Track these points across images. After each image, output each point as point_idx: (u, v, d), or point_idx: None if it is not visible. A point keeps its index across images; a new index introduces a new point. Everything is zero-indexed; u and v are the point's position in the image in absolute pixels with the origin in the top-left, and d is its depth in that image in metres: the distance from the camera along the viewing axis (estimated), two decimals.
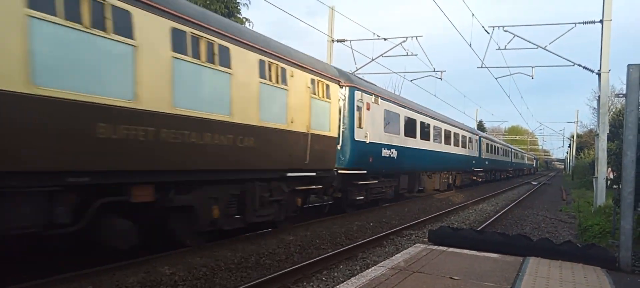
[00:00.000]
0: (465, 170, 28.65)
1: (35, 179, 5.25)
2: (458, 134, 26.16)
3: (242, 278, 7.00)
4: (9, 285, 5.60)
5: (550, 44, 17.23)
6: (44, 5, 5.20)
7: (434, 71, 22.61)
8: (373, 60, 20.68)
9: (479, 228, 11.02)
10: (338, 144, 12.39)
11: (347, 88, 13.08)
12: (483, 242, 7.17)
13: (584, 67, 16.90)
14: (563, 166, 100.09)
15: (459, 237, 7.45)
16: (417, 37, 19.53)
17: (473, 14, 17.54)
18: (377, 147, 14.65)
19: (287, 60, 9.69)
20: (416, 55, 20.32)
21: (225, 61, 7.92)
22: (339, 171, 12.39)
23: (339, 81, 12.23)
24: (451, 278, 5.25)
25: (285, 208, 10.09)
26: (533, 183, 42.74)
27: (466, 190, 27.03)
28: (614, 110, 30.45)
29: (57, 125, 5.39)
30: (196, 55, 7.31)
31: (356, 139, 13.32)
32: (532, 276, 5.47)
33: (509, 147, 51.30)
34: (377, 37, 19.70)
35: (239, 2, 21.18)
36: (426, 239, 7.92)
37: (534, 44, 17.75)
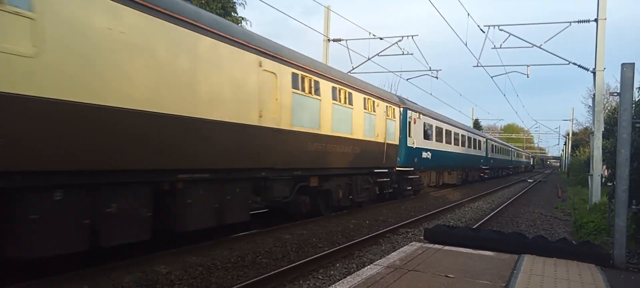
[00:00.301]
0: (475, 167, 33.57)
1: (284, 173, 10.10)
2: (471, 138, 31.40)
3: (239, 277, 7.01)
4: (4, 285, 5.59)
5: (545, 42, 17.32)
6: (296, 87, 10.28)
7: (430, 70, 22.66)
8: (369, 59, 20.70)
9: (474, 226, 11.07)
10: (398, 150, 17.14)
11: (402, 109, 17.85)
12: (478, 239, 7.20)
13: (579, 66, 16.99)
14: (559, 164, 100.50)
15: (454, 235, 7.48)
16: (412, 36, 19.57)
17: (468, 13, 17.58)
18: (419, 151, 19.65)
19: (376, 96, 14.94)
20: (412, 54, 20.35)
21: (351, 101, 13.11)
22: (396, 168, 16.88)
23: (399, 105, 17.44)
24: (446, 276, 5.28)
25: (371, 193, 15.06)
26: (529, 181, 42.90)
27: (463, 188, 27.13)
28: (609, 108, 30.55)
29: (299, 145, 10.46)
30: (338, 99, 12.33)
31: (408, 145, 18.23)
32: (526, 274, 5.50)
33: (510, 147, 57.20)
34: (373, 37, 19.71)
35: (235, 2, 21.14)
36: (422, 237, 7.95)
37: (529, 43, 17.82)
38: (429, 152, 20.78)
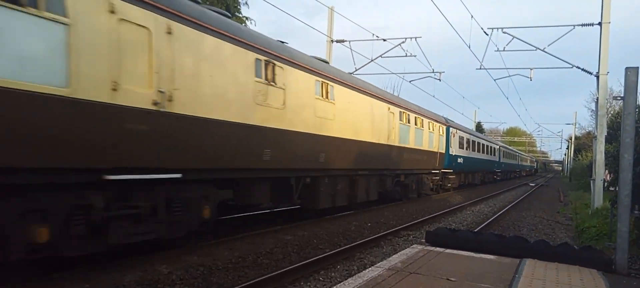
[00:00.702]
0: (490, 171, 39.52)
1: (393, 172, 16.80)
2: (488, 146, 37.45)
3: (240, 277, 7.00)
4: (4, 285, 5.60)
5: (549, 45, 17.27)
6: (402, 120, 16.90)
7: (433, 72, 22.68)
8: (372, 60, 20.71)
9: (476, 230, 11.05)
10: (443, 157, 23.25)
11: (446, 127, 23.82)
12: (480, 243, 7.18)
13: (583, 69, 16.95)
14: (561, 168, 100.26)
15: (456, 238, 7.46)
16: (416, 38, 19.59)
17: (472, 16, 17.57)
18: (456, 157, 25.56)
19: (434, 120, 21.53)
20: (415, 56, 20.37)
21: (423, 125, 19.39)
22: (441, 170, 23.09)
23: (445, 124, 23.61)
24: (448, 279, 5.27)
25: (428, 187, 21.55)
26: (531, 185, 42.82)
27: (465, 191, 27.09)
28: (612, 112, 30.48)
29: (401, 155, 16.90)
30: (417, 124, 18.72)
31: (450, 153, 24.07)
32: (528, 278, 5.48)
33: (517, 153, 64.75)
34: (376, 38, 19.72)
35: (239, 2, 21.17)
36: (423, 240, 7.93)
37: (533, 46, 17.79)
38: (462, 158, 27.00)
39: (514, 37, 17.86)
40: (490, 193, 26.19)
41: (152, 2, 6.57)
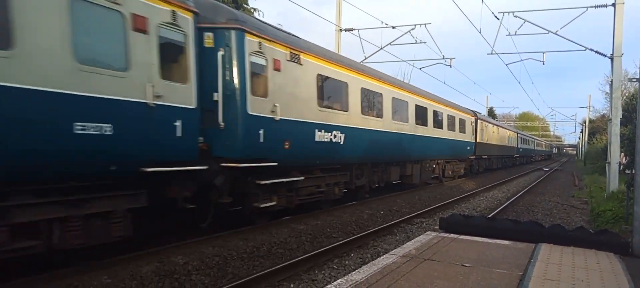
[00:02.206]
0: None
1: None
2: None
3: (254, 267, 7.08)
4: (25, 275, 5.72)
5: (561, 28, 17.00)
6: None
7: (444, 59, 22.44)
8: (381, 48, 20.57)
9: (490, 216, 11.00)
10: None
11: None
12: (494, 229, 7.15)
13: (596, 52, 16.66)
14: (575, 152, 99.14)
15: (470, 224, 7.43)
16: (425, 24, 19.37)
17: (482, 0, 17.33)
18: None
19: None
20: (425, 42, 20.18)
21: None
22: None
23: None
24: (463, 265, 5.26)
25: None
26: (544, 169, 42.43)
27: (478, 178, 26.95)
28: (626, 94, 30.00)
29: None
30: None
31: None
32: (544, 262, 5.45)
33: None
34: (385, 26, 19.55)
35: None
36: (437, 227, 7.92)
37: (545, 29, 17.52)
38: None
39: (525, 20, 17.61)
40: (504, 179, 26.02)
41: (469, 115, 24.61)
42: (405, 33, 19.83)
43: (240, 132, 8.33)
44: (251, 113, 8.48)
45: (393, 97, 14.98)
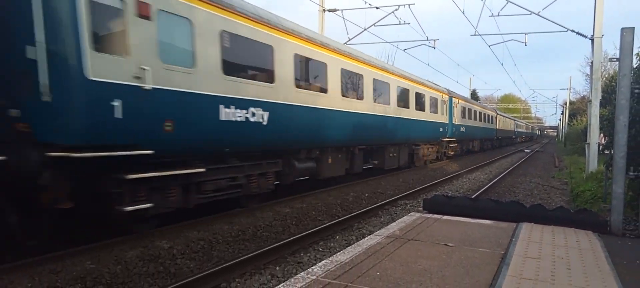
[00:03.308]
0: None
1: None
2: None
3: (240, 250, 7.08)
4: (6, 262, 5.63)
5: (543, 9, 17.16)
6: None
7: (427, 40, 22.49)
8: (365, 29, 20.51)
9: (472, 196, 11.15)
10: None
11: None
12: (477, 209, 7.25)
13: (577, 33, 16.85)
14: (556, 133, 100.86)
15: (453, 204, 7.53)
16: (409, 5, 19.32)
17: None
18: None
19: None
20: (409, 23, 20.17)
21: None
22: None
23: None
24: (446, 245, 5.33)
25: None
26: (526, 151, 43.08)
27: (461, 160, 27.25)
28: (606, 76, 30.51)
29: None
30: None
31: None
32: (525, 241, 5.56)
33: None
34: (369, 6, 19.45)
35: None
36: (421, 208, 8.00)
37: (528, 10, 17.63)
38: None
39: (508, 1, 17.68)
40: (486, 161, 26.36)
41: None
42: (389, 14, 19.77)
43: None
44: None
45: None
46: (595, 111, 15.57)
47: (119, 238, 6.85)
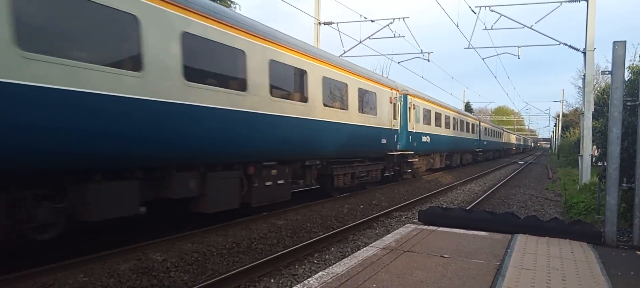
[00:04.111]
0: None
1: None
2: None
3: (234, 262, 7.02)
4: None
5: (536, 23, 17.33)
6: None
7: (422, 53, 22.66)
8: (360, 42, 20.61)
9: (467, 208, 11.16)
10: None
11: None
12: (472, 220, 7.26)
13: (570, 46, 17.04)
14: (549, 145, 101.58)
15: (448, 216, 7.53)
16: (404, 18, 19.49)
17: None
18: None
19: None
20: (404, 36, 20.39)
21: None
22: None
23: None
24: (441, 256, 5.32)
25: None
26: (520, 163, 43.28)
27: (454, 172, 27.30)
28: (598, 89, 30.81)
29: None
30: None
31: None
32: (520, 252, 5.56)
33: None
34: (364, 19, 19.61)
35: None
36: (416, 220, 8.00)
37: (520, 24, 17.83)
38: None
39: (501, 15, 17.88)
40: (480, 173, 26.42)
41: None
42: (384, 27, 19.93)
43: None
44: None
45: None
46: (587, 123, 15.70)
47: (111, 251, 6.78)
